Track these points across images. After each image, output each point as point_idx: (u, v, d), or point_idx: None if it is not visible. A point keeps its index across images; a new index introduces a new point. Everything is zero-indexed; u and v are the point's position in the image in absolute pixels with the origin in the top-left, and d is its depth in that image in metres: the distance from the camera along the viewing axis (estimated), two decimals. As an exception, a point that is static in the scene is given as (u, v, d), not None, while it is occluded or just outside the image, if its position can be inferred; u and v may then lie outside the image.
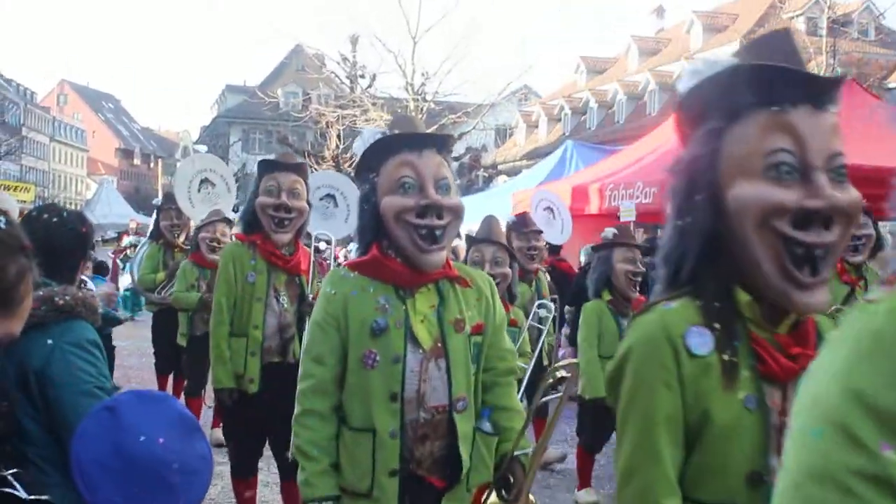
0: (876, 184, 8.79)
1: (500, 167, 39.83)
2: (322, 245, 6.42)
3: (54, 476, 2.88)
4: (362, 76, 34.70)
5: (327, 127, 33.91)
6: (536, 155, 39.70)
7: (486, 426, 3.33)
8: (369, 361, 3.13)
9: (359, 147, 3.33)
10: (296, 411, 3.25)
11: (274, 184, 5.56)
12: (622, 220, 11.06)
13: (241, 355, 5.64)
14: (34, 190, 48.16)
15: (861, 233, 6.80)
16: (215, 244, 8.33)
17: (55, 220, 3.43)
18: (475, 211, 7.64)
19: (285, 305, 5.72)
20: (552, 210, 11.10)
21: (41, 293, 2.98)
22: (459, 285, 3.30)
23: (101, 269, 16.36)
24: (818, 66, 31.11)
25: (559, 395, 4.89)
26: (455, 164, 30.13)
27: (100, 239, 26.34)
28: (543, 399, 3.49)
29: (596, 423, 6.91)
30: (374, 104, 31.22)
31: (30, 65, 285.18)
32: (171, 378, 9.80)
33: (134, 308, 18.35)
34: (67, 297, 3.10)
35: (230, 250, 5.82)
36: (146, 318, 13.94)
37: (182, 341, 8.81)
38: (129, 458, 2.78)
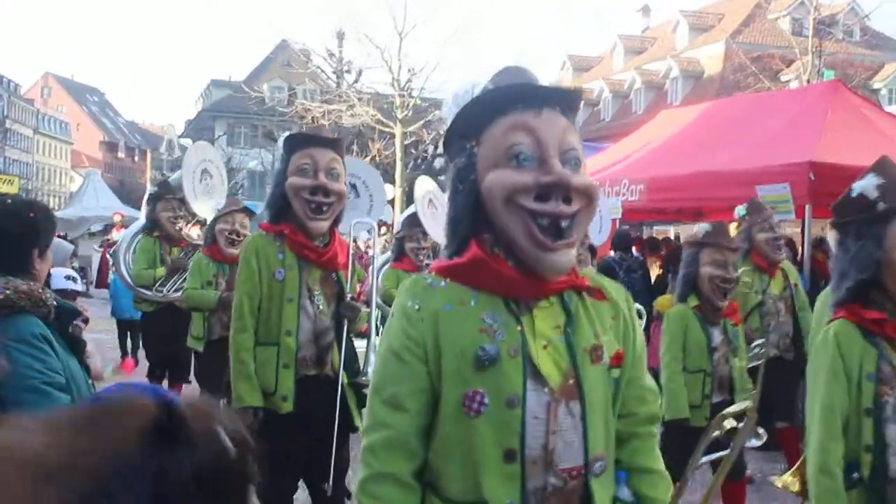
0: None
1: (485, 164, 39.77)
2: (363, 235, 5.57)
3: None
4: (348, 71, 34.58)
5: (313, 122, 33.76)
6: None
7: (625, 493, 2.44)
8: (474, 405, 2.22)
9: (449, 108, 2.50)
10: (361, 475, 2.32)
11: (308, 162, 4.65)
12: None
13: (271, 368, 4.69)
14: (18, 182, 47.85)
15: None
16: (234, 237, 7.55)
17: None
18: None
19: (321, 307, 4.78)
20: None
21: None
22: (591, 298, 2.42)
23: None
24: (804, 66, 31.19)
25: (724, 452, 4.17)
26: (440, 160, 30.14)
27: (85, 232, 26.13)
28: (704, 459, 2.87)
29: (682, 447, 5.64)
30: (360, 99, 31.09)
31: (13, 56, 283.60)
32: (165, 384, 8.97)
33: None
34: (8, 291, 3.03)
35: (253, 242, 4.85)
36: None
37: (196, 345, 7.82)
38: None
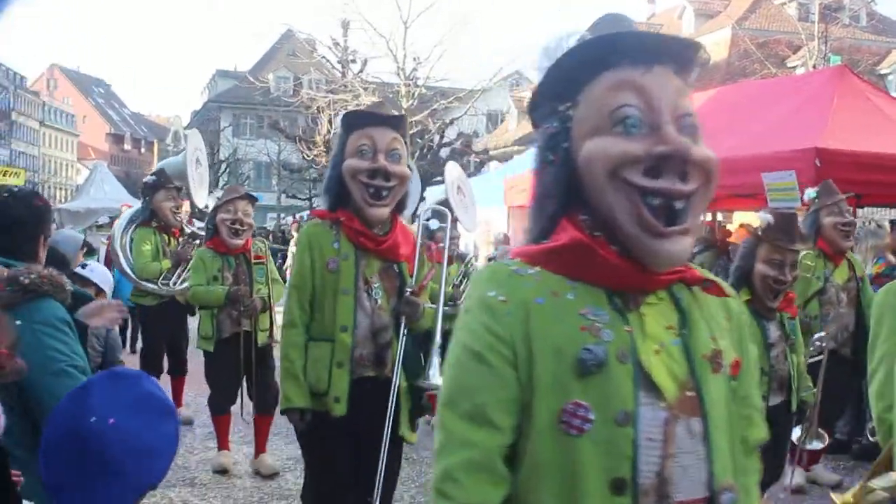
0: (870, 170, 8.68)
1: (491, 153, 39.68)
2: (433, 224, 4.86)
3: (32, 462, 2.85)
4: (353, 61, 34.52)
5: (318, 112, 33.73)
6: (528, 140, 39.55)
7: None
8: (575, 421, 1.78)
9: (539, 63, 2.02)
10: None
11: (368, 143, 4.24)
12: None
13: (323, 366, 4.26)
14: (24, 174, 47.94)
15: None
16: (238, 226, 7.11)
17: (6, 195, 3.43)
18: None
19: (380, 301, 4.32)
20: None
21: (5, 274, 2.96)
22: (704, 294, 2.00)
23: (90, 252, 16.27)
24: (810, 52, 31.09)
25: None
26: (446, 150, 30.11)
27: (93, 224, 26.13)
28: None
29: None
30: (365, 89, 31.06)
31: (19, 48, 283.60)
32: (167, 380, 8.75)
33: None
34: (33, 276, 3.08)
35: (307, 232, 4.45)
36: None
37: (206, 346, 7.26)
38: (80, 439, 2.77)
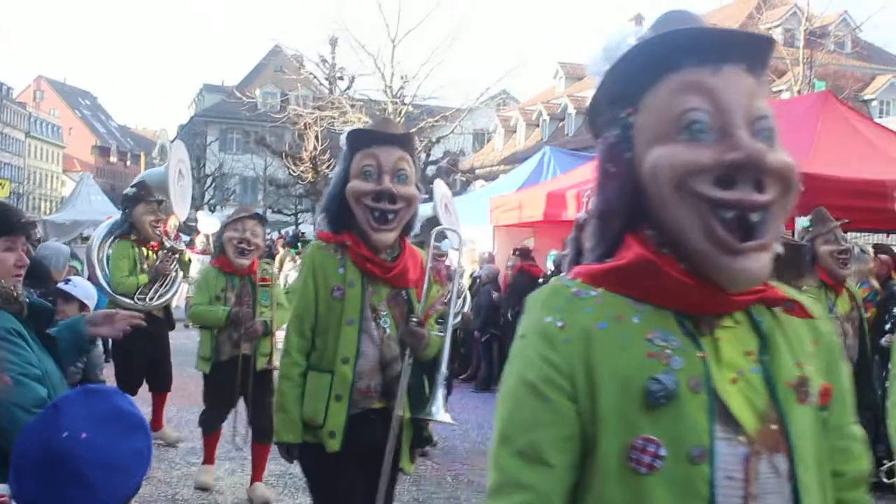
0: (854, 195, 8.78)
1: (477, 172, 39.82)
2: (445, 245, 4.80)
3: None
4: (341, 78, 34.61)
5: (305, 128, 33.80)
6: (514, 160, 39.72)
7: None
8: (645, 458, 1.60)
9: (596, 65, 1.85)
10: None
11: (372, 163, 3.97)
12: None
13: (321, 398, 3.99)
14: (9, 186, 47.73)
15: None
16: (244, 246, 6.93)
17: None
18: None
19: (388, 330, 4.07)
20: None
21: None
22: (787, 315, 1.78)
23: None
24: (795, 77, 31.30)
25: None
26: (433, 168, 30.15)
27: (78, 236, 26.01)
28: None
29: None
30: (352, 106, 31.15)
31: (6, 60, 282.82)
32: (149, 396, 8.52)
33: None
34: None
35: (312, 255, 4.18)
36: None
37: (203, 367, 7.17)
38: (52, 454, 2.78)
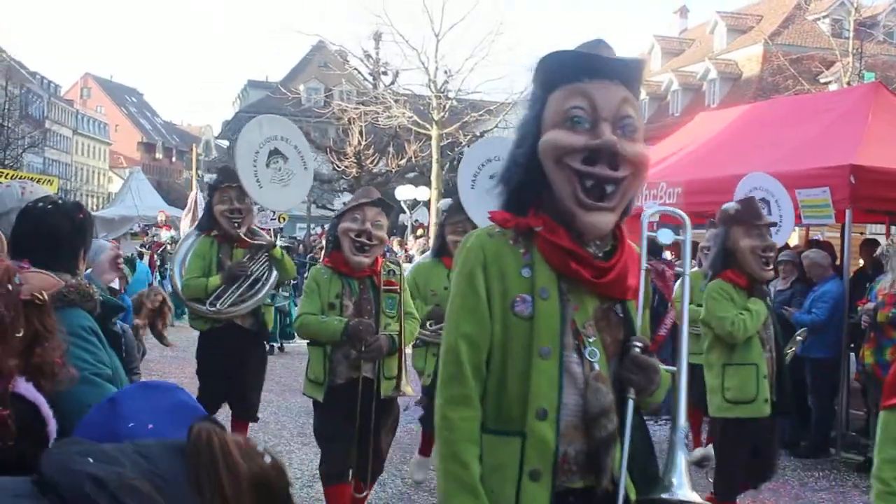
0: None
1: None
2: (664, 236, 2.93)
3: None
4: (385, 73, 34.72)
5: (349, 123, 33.95)
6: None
7: None
8: None
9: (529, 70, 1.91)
10: None
11: (583, 105, 2.51)
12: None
13: (508, 478, 2.59)
14: (57, 182, 48.32)
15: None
16: (365, 240, 5.57)
17: (50, 207, 3.43)
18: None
19: (597, 367, 2.62)
20: (767, 203, 8.59)
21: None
22: None
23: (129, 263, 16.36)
24: (844, 68, 30.91)
25: None
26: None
27: (128, 232, 26.24)
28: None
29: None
30: (396, 101, 31.18)
31: (54, 58, 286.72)
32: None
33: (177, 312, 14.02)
34: (60, 286, 3.11)
35: (479, 245, 2.69)
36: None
37: (315, 393, 5.65)
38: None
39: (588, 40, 2.66)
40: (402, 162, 34.83)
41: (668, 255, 11.91)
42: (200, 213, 8.69)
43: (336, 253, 5.65)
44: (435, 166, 30.35)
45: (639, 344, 2.64)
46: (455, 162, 33.36)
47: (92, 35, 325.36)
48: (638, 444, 2.68)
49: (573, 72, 2.57)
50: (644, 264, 2.80)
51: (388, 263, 5.84)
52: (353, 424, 5.53)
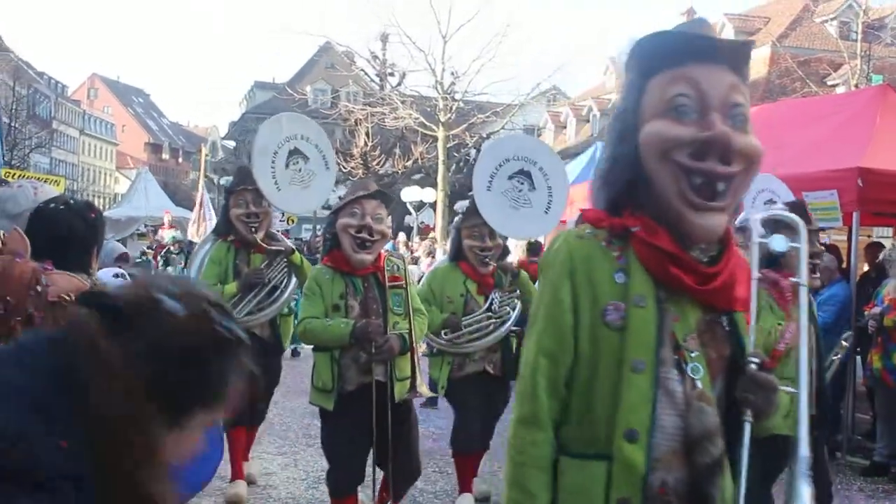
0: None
1: (527, 167, 39.75)
2: (778, 243, 2.27)
3: None
4: (391, 74, 34.74)
5: (356, 125, 33.99)
6: (565, 155, 39.38)
7: None
8: None
9: (621, 55, 1.82)
10: None
11: (689, 92, 2.26)
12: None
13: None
14: (64, 183, 48.42)
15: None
16: (367, 236, 5.32)
17: (62, 207, 3.46)
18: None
19: (699, 384, 2.32)
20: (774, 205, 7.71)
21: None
22: None
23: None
24: (852, 70, 30.87)
25: None
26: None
27: (134, 233, 26.22)
28: None
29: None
30: (403, 102, 31.22)
31: (61, 58, 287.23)
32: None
33: None
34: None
35: (566, 249, 2.42)
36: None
37: (324, 402, 5.33)
38: None
39: (689, 20, 2.47)
40: (409, 163, 34.88)
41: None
42: (207, 213, 8.47)
43: (336, 251, 5.37)
44: (441, 168, 30.39)
45: (756, 360, 2.36)
46: (461, 163, 33.37)
47: (99, 35, 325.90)
48: (756, 473, 2.45)
49: (676, 54, 2.31)
50: (755, 273, 2.50)
51: (391, 258, 5.56)
52: (367, 434, 5.20)
